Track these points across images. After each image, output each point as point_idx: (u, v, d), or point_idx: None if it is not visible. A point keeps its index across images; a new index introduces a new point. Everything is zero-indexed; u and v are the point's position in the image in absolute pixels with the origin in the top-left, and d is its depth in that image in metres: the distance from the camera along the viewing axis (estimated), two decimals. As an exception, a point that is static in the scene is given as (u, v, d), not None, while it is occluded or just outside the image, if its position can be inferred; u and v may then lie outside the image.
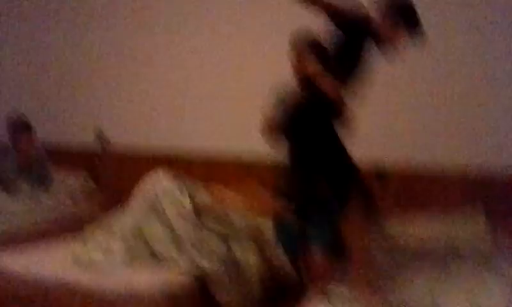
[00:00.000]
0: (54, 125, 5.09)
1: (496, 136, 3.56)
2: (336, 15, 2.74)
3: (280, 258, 2.84)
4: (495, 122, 3.58)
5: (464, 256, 3.05)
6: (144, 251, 2.82)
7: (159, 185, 3.07)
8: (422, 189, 3.74)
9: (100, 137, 4.67)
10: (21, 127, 4.45)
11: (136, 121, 4.75)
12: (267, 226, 2.96)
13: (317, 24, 2.82)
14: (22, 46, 5.38)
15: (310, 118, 2.76)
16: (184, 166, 4.13)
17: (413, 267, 2.84)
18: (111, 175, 4.55)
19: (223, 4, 4.33)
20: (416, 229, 3.36)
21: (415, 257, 2.99)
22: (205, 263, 2.69)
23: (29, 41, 5.33)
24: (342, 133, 2.81)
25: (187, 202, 2.97)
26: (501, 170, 3.48)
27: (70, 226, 3.95)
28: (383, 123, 3.81)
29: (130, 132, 4.76)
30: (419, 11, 2.84)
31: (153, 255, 2.82)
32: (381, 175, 3.73)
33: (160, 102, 4.68)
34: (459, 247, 3.15)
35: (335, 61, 2.76)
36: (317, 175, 2.71)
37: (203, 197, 3.14)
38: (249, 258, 2.90)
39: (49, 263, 2.70)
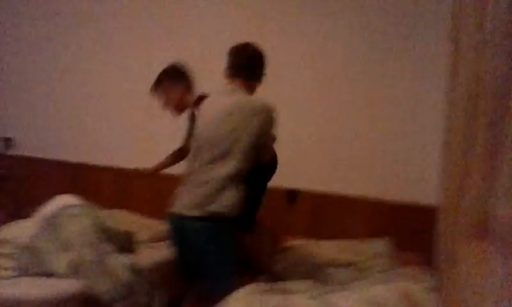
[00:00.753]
0: None
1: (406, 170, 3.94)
2: None
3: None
4: (405, 159, 3.94)
5: (362, 269, 3.18)
6: (35, 265, 2.61)
7: (60, 203, 2.89)
8: (333, 213, 4.10)
9: (7, 145, 4.68)
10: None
11: (45, 132, 4.80)
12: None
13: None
14: None
15: None
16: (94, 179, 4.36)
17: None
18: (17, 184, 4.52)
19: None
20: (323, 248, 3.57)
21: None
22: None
23: None
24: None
25: (86, 220, 2.80)
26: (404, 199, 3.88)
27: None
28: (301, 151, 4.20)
29: (40, 142, 4.83)
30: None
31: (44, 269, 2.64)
32: (293, 195, 4.15)
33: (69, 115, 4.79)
34: (359, 261, 3.31)
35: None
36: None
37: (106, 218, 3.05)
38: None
39: None
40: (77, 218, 2.80)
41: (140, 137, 4.53)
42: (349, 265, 3.26)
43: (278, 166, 4.21)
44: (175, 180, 2.96)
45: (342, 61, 4.15)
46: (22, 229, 2.95)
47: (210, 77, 3.20)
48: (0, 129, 4.93)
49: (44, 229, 2.75)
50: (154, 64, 3.60)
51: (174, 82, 3.39)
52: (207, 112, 2.76)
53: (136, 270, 2.77)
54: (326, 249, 3.60)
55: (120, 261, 2.71)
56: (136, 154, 4.49)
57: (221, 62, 2.96)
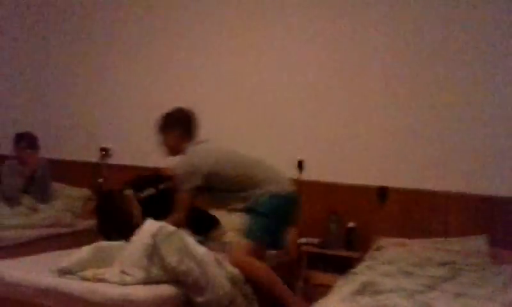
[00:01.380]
0: (60, 142, 5.41)
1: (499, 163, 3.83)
2: None
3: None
4: (498, 151, 3.84)
5: (461, 269, 3.09)
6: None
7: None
8: (424, 212, 4.01)
9: (104, 155, 4.85)
10: (28, 144, 4.58)
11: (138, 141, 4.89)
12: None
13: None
14: (32, 69, 5.71)
15: None
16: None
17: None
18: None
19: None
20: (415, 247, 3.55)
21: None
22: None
23: (39, 65, 5.67)
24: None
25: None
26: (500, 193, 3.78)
27: (67, 239, 4.14)
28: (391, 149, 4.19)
29: (133, 151, 4.96)
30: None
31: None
32: (383, 193, 4.12)
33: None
34: (456, 260, 3.23)
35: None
36: None
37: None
38: None
39: (44, 273, 2.68)
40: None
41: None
42: (443, 264, 3.20)
43: (368, 164, 4.22)
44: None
45: (428, 56, 4.09)
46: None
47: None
48: (97, 139, 5.19)
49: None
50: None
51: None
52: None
53: (235, 281, 2.88)
54: (419, 248, 3.56)
55: (221, 272, 2.82)
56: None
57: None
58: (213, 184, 3.34)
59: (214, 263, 2.77)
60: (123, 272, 2.59)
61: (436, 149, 4.05)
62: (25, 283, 2.55)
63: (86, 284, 2.52)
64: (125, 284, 2.52)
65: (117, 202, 3.36)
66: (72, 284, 2.52)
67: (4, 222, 4.11)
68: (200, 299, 2.64)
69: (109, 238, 3.03)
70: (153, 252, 2.63)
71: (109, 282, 2.55)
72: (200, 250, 2.75)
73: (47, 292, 2.50)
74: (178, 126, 3.52)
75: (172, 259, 2.60)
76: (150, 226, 2.76)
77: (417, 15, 4.14)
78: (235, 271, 2.91)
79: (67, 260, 2.68)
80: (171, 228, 2.75)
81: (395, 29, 4.22)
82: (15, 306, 2.56)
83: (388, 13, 4.24)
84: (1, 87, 5.72)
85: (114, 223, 3.17)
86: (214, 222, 3.85)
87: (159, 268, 2.62)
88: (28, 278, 2.59)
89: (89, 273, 2.61)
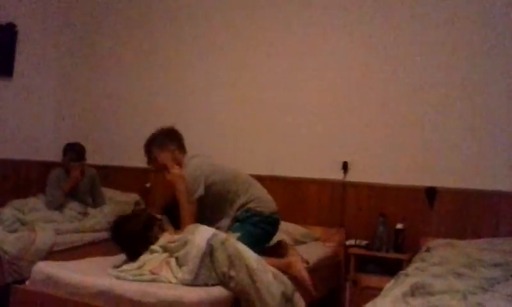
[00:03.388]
0: (111, 149, 5.58)
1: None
2: None
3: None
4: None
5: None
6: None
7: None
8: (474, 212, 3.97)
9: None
10: (73, 156, 4.71)
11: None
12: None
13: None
14: (86, 81, 5.91)
15: None
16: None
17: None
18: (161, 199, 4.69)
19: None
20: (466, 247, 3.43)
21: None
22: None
23: (93, 79, 5.85)
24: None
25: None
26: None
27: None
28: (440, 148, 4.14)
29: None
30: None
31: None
32: (432, 194, 4.08)
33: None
34: (509, 261, 3.08)
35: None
36: None
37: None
38: None
39: (99, 275, 2.77)
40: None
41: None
42: (496, 265, 3.13)
43: (416, 165, 4.15)
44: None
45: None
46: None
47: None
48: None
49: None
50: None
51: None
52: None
53: (286, 292, 2.84)
54: (470, 249, 3.48)
55: (273, 282, 2.79)
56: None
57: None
58: (206, 196, 3.37)
59: (267, 273, 2.76)
60: (176, 272, 2.67)
61: (485, 148, 3.98)
62: (82, 285, 2.63)
63: (139, 285, 2.58)
64: (177, 283, 2.59)
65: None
66: (126, 286, 2.58)
67: (59, 227, 4.26)
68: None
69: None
70: (206, 257, 2.68)
71: (163, 282, 2.63)
72: (254, 259, 2.76)
73: (102, 294, 2.57)
74: (172, 142, 3.50)
75: (223, 265, 2.65)
76: (205, 231, 2.83)
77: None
78: (287, 282, 2.91)
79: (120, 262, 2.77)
80: (224, 235, 2.80)
81: (446, 25, 4.18)
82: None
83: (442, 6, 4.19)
84: (60, 98, 5.93)
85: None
86: None
87: (210, 272, 2.66)
88: (85, 280, 2.66)
89: (144, 272, 2.70)
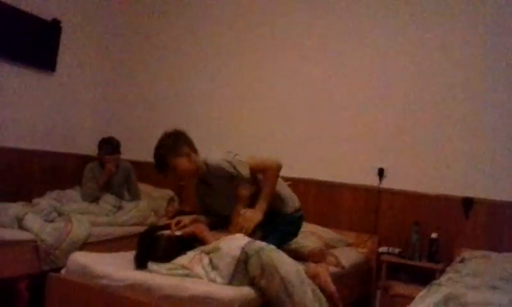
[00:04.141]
0: (148, 145, 5.47)
1: None
2: None
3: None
4: None
5: None
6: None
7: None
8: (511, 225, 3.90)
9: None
10: (108, 149, 4.78)
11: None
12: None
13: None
14: (124, 80, 6.02)
15: None
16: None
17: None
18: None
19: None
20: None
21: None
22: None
23: (131, 78, 5.97)
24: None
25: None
26: None
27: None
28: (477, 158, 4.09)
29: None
30: None
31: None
32: (468, 204, 4.03)
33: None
34: None
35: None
36: None
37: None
38: None
39: (131, 268, 2.82)
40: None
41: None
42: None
43: (452, 174, 4.10)
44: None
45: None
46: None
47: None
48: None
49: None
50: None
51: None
52: None
53: (321, 303, 2.83)
54: (506, 262, 3.41)
55: (308, 293, 2.75)
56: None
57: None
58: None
59: (305, 287, 2.73)
60: (209, 271, 2.69)
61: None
62: (116, 277, 2.67)
63: (172, 280, 2.61)
64: (211, 280, 2.61)
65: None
66: (159, 279, 2.61)
67: (95, 219, 4.35)
68: None
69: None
70: (240, 263, 2.67)
71: (197, 277, 2.65)
72: (292, 271, 2.71)
73: (134, 287, 2.60)
74: (184, 145, 3.19)
75: (255, 273, 2.64)
76: (241, 239, 2.83)
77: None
78: (323, 300, 2.86)
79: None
80: (261, 244, 2.77)
81: (473, 26, 4.11)
82: (103, 299, 2.67)
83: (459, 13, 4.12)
84: (98, 95, 6.06)
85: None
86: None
87: (244, 279, 2.66)
88: (119, 272, 2.70)
89: (177, 267, 2.73)
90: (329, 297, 3.13)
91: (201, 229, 3.14)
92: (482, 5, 4.14)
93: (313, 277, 3.13)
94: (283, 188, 3.40)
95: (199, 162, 3.21)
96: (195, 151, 3.25)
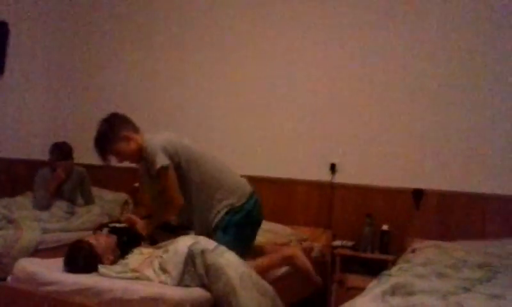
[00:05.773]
0: None
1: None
2: None
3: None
4: None
5: (498, 271, 2.97)
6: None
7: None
8: (460, 215, 4.00)
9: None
10: (59, 155, 4.69)
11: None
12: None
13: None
14: (76, 81, 5.92)
15: None
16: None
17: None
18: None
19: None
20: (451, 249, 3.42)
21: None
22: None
23: (84, 78, 5.88)
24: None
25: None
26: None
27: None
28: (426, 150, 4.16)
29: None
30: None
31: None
32: (418, 195, 4.10)
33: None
34: (493, 263, 3.11)
35: None
36: None
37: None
38: None
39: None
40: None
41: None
42: (480, 266, 3.14)
43: (403, 166, 4.18)
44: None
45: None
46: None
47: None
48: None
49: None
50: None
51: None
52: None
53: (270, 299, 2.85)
54: (455, 250, 3.49)
55: (253, 293, 2.74)
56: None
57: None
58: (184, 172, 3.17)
59: (247, 286, 2.72)
60: (158, 273, 2.69)
61: (472, 151, 4.01)
62: (64, 282, 2.63)
63: (121, 282, 2.59)
64: (161, 282, 2.62)
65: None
66: (109, 283, 2.59)
67: (46, 226, 4.25)
68: None
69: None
70: (188, 262, 2.68)
71: (147, 280, 2.65)
72: (237, 274, 2.69)
73: (84, 291, 2.57)
74: (120, 128, 3.18)
75: (201, 272, 2.66)
76: (188, 239, 2.85)
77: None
78: (266, 286, 2.86)
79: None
80: (207, 245, 2.76)
81: (422, 30, 4.20)
82: (54, 305, 2.63)
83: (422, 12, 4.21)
84: (49, 97, 5.94)
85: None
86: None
87: (193, 278, 2.67)
88: (67, 277, 2.68)
89: (127, 270, 2.73)
90: (306, 275, 3.16)
91: (133, 221, 3.15)
92: None
93: (290, 259, 3.21)
94: (227, 178, 3.28)
95: (141, 141, 3.16)
96: (136, 130, 3.22)
